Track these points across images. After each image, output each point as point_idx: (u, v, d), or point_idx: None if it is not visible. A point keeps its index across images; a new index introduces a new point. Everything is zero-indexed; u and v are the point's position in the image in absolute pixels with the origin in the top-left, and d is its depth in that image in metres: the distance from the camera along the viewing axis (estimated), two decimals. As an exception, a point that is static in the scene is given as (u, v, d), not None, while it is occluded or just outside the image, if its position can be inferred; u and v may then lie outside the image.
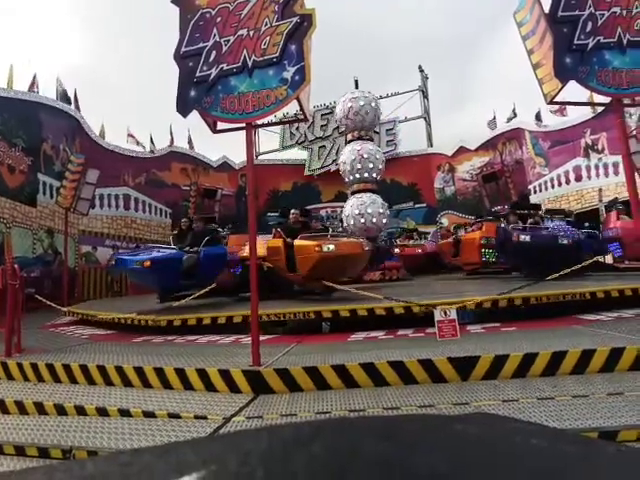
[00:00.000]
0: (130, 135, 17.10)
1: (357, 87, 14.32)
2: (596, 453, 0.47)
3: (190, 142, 19.34)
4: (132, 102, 43.49)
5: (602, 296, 5.55)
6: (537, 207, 10.43)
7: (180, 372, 3.79)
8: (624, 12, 4.47)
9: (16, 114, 11.78)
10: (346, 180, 13.82)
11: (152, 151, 17.69)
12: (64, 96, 14.38)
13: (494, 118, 19.19)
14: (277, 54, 3.98)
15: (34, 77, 13.54)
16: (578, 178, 15.32)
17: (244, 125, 4.17)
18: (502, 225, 9.19)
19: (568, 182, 15.68)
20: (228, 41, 4.10)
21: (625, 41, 4.46)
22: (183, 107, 4.17)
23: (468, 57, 51.48)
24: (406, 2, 46.81)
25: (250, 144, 4.19)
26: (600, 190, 14.25)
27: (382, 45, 45.67)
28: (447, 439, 0.48)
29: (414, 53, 42.96)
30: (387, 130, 20.92)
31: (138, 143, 17.16)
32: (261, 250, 7.15)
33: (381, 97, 18.05)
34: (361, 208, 12.60)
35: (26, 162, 12.01)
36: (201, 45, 4.16)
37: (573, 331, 4.52)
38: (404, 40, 47.09)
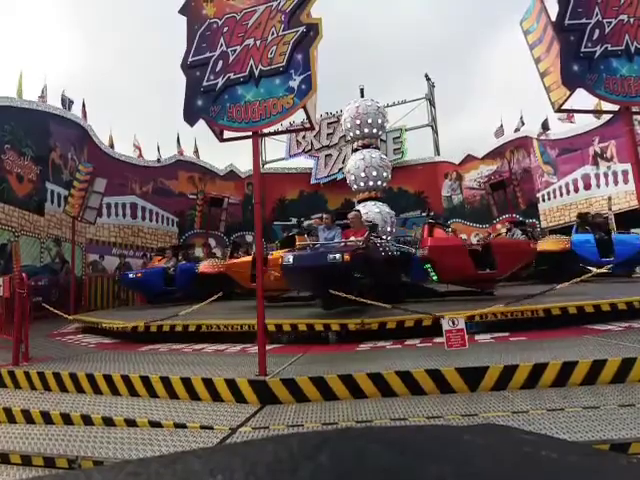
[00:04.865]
0: (137, 147, 17.28)
1: (363, 96, 14.40)
2: (607, 465, 0.46)
3: (196, 151, 19.48)
4: (138, 110, 43.94)
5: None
6: None
7: (186, 382, 3.79)
8: (631, 20, 4.47)
9: (25, 123, 11.92)
10: (353, 188, 13.86)
11: (159, 160, 17.83)
12: (67, 102, 14.52)
13: (501, 126, 19.16)
14: (283, 63, 4.01)
15: (44, 87, 13.76)
16: (587, 186, 15.23)
17: (250, 134, 4.20)
18: None
19: (577, 190, 15.60)
20: (235, 50, 4.14)
21: (633, 49, 4.45)
22: (190, 116, 4.21)
23: (469, 63, 51.55)
24: (407, 11, 47.27)
25: (256, 153, 4.21)
26: (609, 198, 14.15)
27: (385, 54, 46.04)
28: (455, 450, 0.47)
29: (416, 60, 43.13)
30: (394, 138, 20.93)
31: (140, 155, 17.29)
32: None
33: (387, 105, 18.11)
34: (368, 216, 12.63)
35: (35, 171, 12.15)
36: (208, 55, 4.20)
37: (583, 341, 4.46)
38: (406, 47, 47.44)
